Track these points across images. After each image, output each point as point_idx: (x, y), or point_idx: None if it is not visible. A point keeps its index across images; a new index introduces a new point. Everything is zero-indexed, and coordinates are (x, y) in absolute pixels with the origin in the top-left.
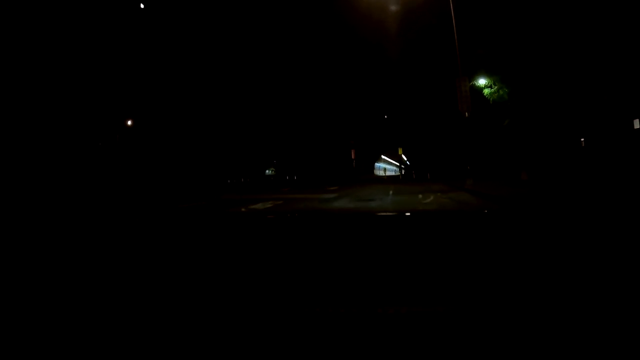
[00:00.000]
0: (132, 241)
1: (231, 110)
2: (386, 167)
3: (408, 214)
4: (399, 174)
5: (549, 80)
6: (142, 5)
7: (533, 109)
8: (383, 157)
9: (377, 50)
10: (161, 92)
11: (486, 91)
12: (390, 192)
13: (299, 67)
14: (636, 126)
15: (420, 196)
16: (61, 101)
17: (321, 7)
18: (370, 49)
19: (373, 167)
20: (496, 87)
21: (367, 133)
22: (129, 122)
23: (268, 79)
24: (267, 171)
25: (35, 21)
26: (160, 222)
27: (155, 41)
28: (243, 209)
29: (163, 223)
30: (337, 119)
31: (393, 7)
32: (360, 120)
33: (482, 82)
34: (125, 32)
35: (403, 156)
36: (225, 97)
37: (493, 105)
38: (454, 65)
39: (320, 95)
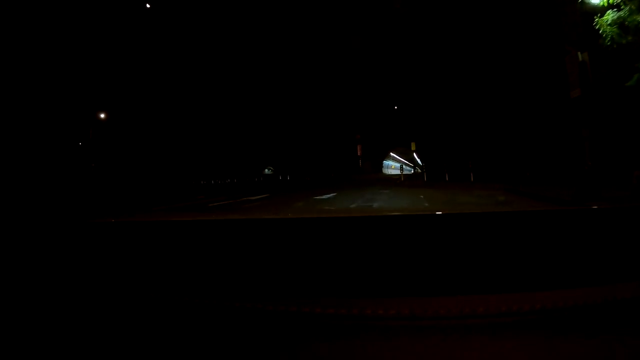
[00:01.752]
0: None
1: (224, 106)
2: (400, 164)
3: None
4: (413, 172)
5: None
6: (148, 5)
7: None
8: (392, 154)
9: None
10: (137, 87)
11: (606, 18)
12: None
13: (297, 53)
14: None
15: None
16: None
17: None
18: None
19: (381, 165)
20: (626, 9)
21: (374, 127)
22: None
23: (265, 71)
24: (266, 170)
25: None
26: None
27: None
28: None
29: None
30: (341, 110)
31: None
32: (367, 112)
33: (596, 0)
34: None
35: (414, 154)
36: (218, 92)
37: (610, 50)
38: None
39: (321, 85)
